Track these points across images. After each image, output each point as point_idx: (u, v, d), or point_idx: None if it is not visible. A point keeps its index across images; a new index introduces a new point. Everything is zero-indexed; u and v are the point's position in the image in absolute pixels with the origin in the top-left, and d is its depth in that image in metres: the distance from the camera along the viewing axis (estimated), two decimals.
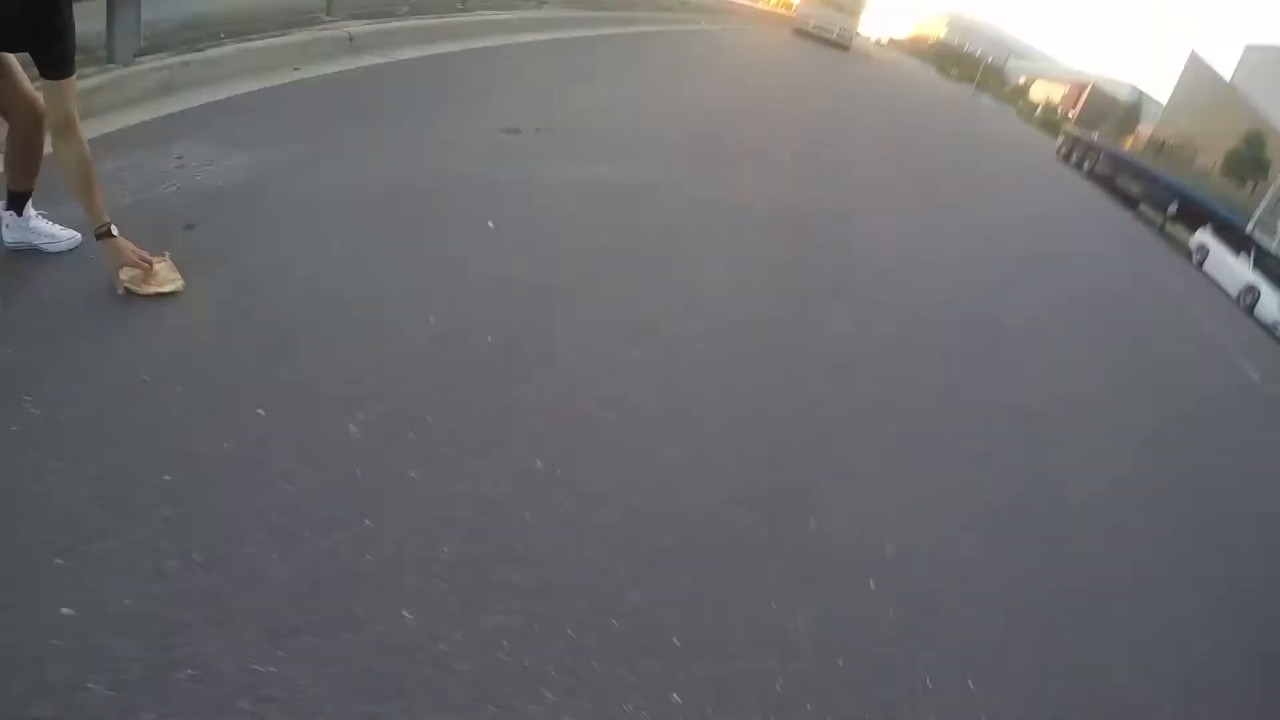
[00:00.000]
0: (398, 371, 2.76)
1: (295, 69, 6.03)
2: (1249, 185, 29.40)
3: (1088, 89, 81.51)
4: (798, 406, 3.48)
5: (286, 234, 3.52)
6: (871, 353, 4.32)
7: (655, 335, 3.30)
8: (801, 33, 36.27)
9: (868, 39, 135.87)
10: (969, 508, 3.33)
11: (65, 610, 1.71)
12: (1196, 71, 60.44)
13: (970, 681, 2.40)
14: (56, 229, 3.10)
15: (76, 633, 1.68)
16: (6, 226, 3.02)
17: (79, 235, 3.11)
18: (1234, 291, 18.88)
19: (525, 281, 3.50)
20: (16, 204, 3.00)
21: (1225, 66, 60.19)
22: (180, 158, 4.01)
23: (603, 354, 3.13)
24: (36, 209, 3.03)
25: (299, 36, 6.44)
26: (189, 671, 1.65)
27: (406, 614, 1.92)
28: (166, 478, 2.10)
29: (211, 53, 5.47)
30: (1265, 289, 17.69)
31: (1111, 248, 15.65)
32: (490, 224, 4.00)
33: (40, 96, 2.76)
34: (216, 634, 1.73)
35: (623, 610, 2.14)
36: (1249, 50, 59.29)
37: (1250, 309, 17.59)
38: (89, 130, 3.38)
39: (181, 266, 2.96)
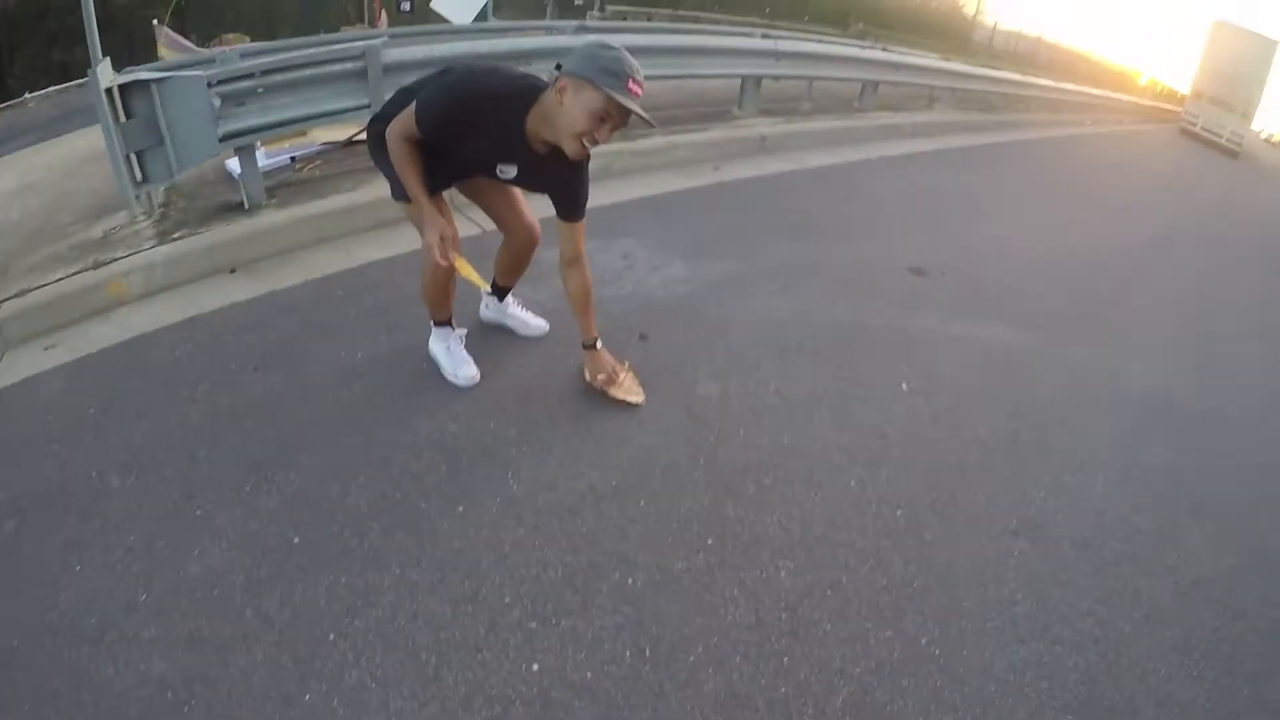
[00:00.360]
0: (822, 529, 2.74)
1: (715, 168, 6.51)
2: None
3: None
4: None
5: (727, 362, 3.69)
6: None
7: (1032, 533, 2.95)
8: (1187, 133, 33.04)
9: (1257, 134, 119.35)
10: None
11: (533, 666, 2.08)
12: None
13: None
14: (529, 316, 3.61)
15: (540, 687, 2.02)
16: (486, 306, 3.60)
17: (547, 325, 3.60)
18: None
19: (931, 459, 3.29)
20: (499, 294, 3.55)
21: None
22: (627, 258, 4.50)
23: (983, 544, 2.85)
24: (515, 297, 3.60)
25: (717, 133, 6.96)
26: None
27: None
28: (630, 581, 2.35)
29: (642, 144, 6.13)
30: None
31: None
32: (905, 386, 3.87)
33: (536, 222, 3.22)
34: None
35: None
36: None
37: None
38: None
39: (640, 378, 3.26)
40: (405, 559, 2.37)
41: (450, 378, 3.26)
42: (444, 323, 3.30)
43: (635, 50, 3.11)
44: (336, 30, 16.05)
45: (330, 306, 3.69)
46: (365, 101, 4.56)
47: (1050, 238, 7.24)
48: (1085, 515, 3.12)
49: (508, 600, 2.26)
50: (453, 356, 3.28)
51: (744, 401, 3.40)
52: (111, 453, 2.70)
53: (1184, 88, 35.16)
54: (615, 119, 2.46)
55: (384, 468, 2.74)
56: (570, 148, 2.51)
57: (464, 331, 3.35)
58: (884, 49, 11.47)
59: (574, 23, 6.04)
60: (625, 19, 14.29)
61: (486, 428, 2.98)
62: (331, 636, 2.10)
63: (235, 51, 4.19)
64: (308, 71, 4.34)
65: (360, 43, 4.54)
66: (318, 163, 4.94)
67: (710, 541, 2.58)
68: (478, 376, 3.25)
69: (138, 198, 4.14)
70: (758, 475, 2.94)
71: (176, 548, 2.34)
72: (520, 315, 3.64)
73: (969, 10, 29.71)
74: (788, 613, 2.37)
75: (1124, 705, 2.26)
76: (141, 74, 3.81)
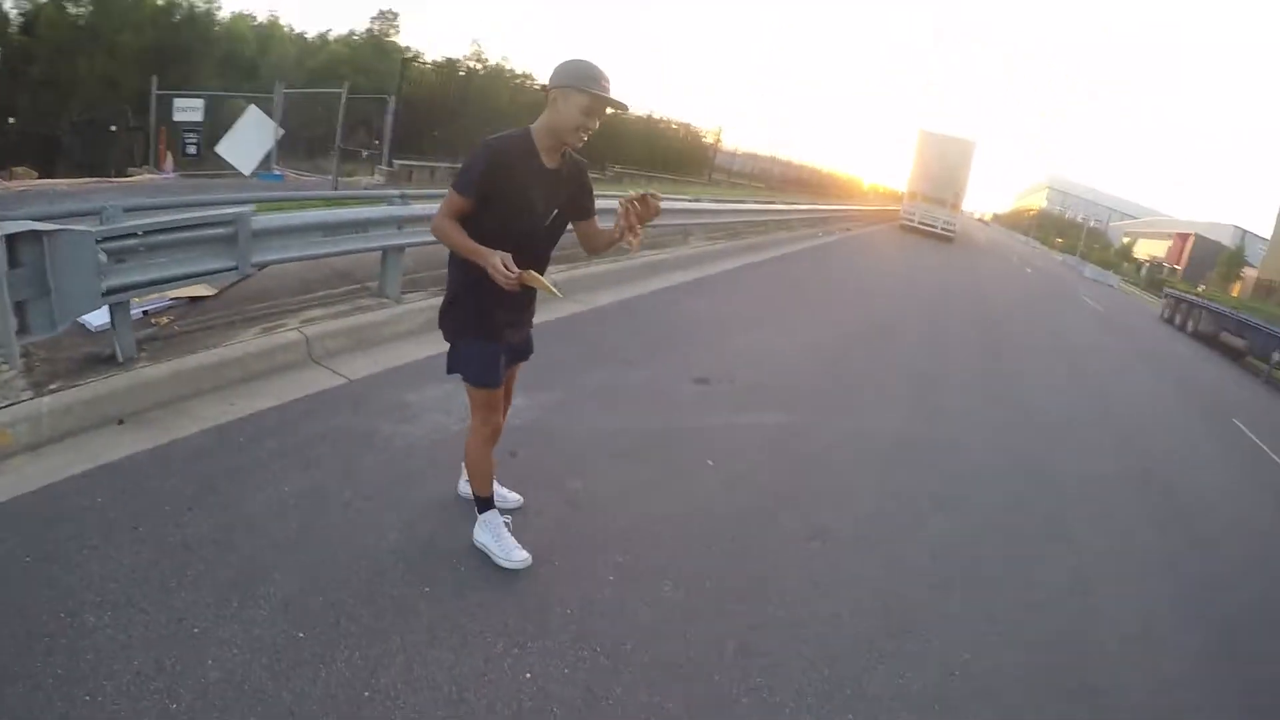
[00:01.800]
0: (702, 564, 3.93)
1: None
2: None
3: (1190, 240, 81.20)
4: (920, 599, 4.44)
5: (582, 466, 4.59)
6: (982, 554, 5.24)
7: (827, 537, 4.63)
8: (907, 228, 38.36)
9: (971, 215, 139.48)
10: None
11: (525, 674, 2.85)
12: None
13: None
14: (506, 491, 4.04)
15: (532, 690, 2.84)
16: (466, 479, 3.83)
17: (521, 499, 4.08)
18: None
19: (734, 509, 4.64)
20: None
21: None
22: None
23: (785, 546, 4.40)
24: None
25: None
26: None
27: None
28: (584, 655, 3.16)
29: None
30: None
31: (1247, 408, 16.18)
32: (710, 463, 5.17)
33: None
34: None
35: None
36: None
37: None
38: (389, 360, 5.41)
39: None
40: (402, 628, 2.98)
41: (504, 563, 3.54)
42: (490, 503, 3.64)
43: None
44: (123, 171, 15.91)
45: (237, 451, 4.04)
46: (233, 264, 4.98)
47: (801, 338, 9.16)
48: (855, 515, 4.91)
49: (489, 639, 3.00)
50: (502, 541, 3.59)
51: (607, 493, 4.38)
52: (73, 594, 2.83)
53: (901, 188, 40.25)
54: (599, 110, 3.11)
55: (352, 573, 3.25)
56: (573, 139, 3.15)
57: (508, 518, 3.73)
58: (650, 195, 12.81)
59: (397, 193, 6.70)
60: (411, 175, 14.97)
61: (427, 536, 3.61)
62: (366, 693, 2.64)
63: (118, 207, 4.44)
64: (186, 233, 4.69)
65: (231, 210, 4.93)
66: (171, 316, 5.22)
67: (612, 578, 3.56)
68: (529, 559, 3.57)
69: (21, 350, 4.20)
70: (627, 542, 3.95)
71: (188, 662, 2.61)
72: (499, 490, 3.99)
73: (708, 139, 32.84)
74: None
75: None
76: (34, 224, 3.87)
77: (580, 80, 3.05)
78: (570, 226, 3.50)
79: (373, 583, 3.21)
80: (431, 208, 6.78)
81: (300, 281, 6.27)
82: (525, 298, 3.35)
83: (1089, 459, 7.82)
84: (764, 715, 3.04)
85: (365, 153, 17.48)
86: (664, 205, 3.32)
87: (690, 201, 14.07)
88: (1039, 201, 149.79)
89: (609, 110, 3.17)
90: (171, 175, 16.53)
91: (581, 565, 3.69)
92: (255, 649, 2.75)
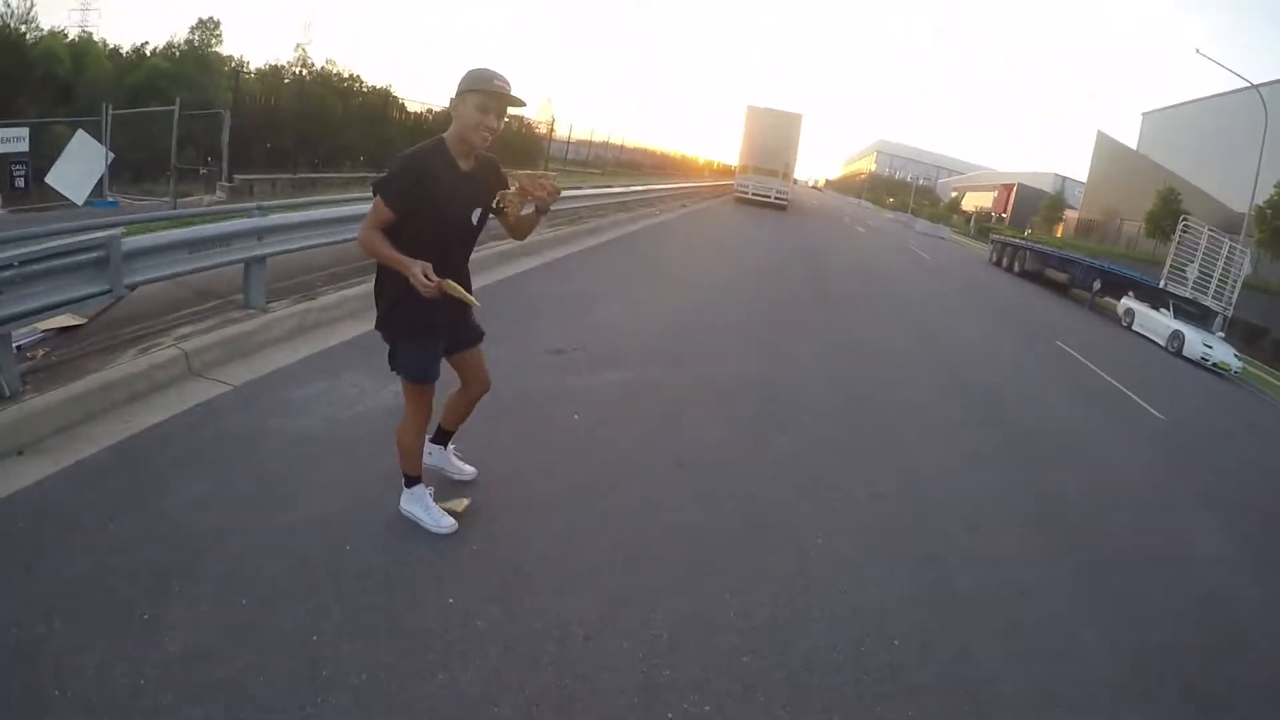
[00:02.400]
0: (584, 498, 4.68)
1: None
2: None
3: (1014, 189, 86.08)
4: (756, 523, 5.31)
5: (472, 436, 4.85)
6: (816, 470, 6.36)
7: (689, 464, 5.43)
8: (742, 200, 39.66)
9: (805, 184, 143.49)
10: None
11: (489, 653, 3.28)
12: (1106, 148, 65.70)
13: None
14: (462, 463, 4.63)
15: (484, 686, 3.29)
16: (429, 454, 4.35)
17: (475, 470, 4.62)
18: (1163, 341, 21.88)
19: (602, 453, 5.42)
20: (444, 439, 4.49)
21: (1130, 136, 65.38)
22: (356, 386, 5.68)
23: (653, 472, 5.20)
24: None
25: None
26: None
27: None
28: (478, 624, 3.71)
29: (321, 300, 7.19)
30: (1187, 331, 21.01)
31: (1071, 329, 17.99)
32: (575, 416, 5.94)
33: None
34: None
35: None
36: (1146, 117, 64.90)
37: (1179, 351, 20.70)
38: (266, 366, 5.75)
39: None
40: (334, 581, 3.52)
41: (434, 529, 4.02)
42: (417, 479, 4.07)
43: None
44: None
45: (142, 464, 4.31)
46: (107, 287, 5.20)
47: (646, 310, 10.17)
48: (709, 444, 5.81)
49: (411, 579, 3.54)
50: (431, 511, 4.07)
51: (482, 448, 4.93)
52: (19, 610, 3.04)
53: (735, 163, 41.32)
54: (495, 107, 3.47)
55: (278, 544, 3.72)
56: (478, 139, 3.50)
57: (432, 489, 4.18)
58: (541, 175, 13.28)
59: (253, 205, 6.95)
60: (252, 189, 14.90)
61: (338, 507, 4.11)
62: (314, 637, 3.18)
63: None
64: (60, 260, 4.86)
65: (101, 234, 5.12)
66: (46, 349, 5.35)
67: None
68: (456, 525, 4.07)
69: None
70: (513, 484, 4.62)
71: (145, 644, 2.97)
72: (457, 462, 4.61)
73: (541, 130, 33.13)
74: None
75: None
76: None
77: (473, 83, 3.45)
78: (494, 218, 3.85)
79: (299, 549, 3.69)
80: (290, 217, 7.12)
81: (165, 303, 6.44)
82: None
83: (920, 382, 9.27)
84: (650, 608, 3.76)
85: (203, 170, 17.17)
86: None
87: None
88: (869, 165, 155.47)
89: (509, 107, 3.57)
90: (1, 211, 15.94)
91: (479, 511, 4.29)
92: (203, 621, 3.14)
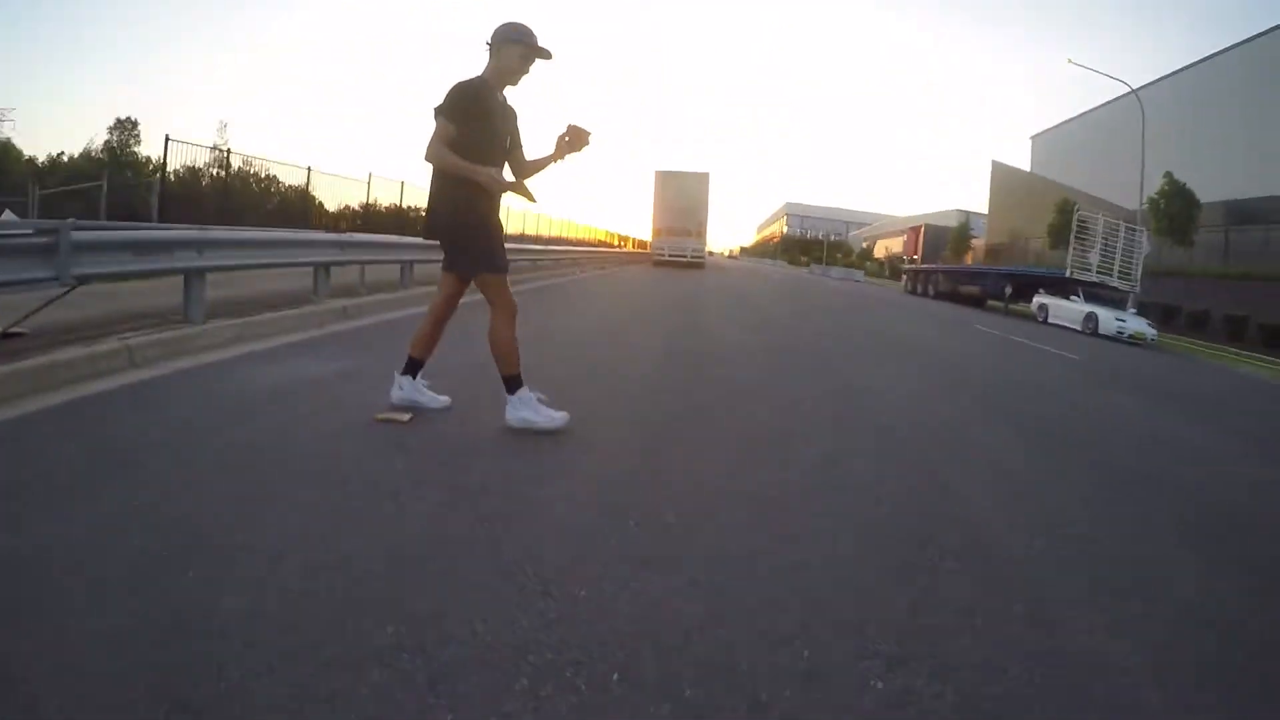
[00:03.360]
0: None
1: (319, 327, 8.03)
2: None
3: (921, 230, 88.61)
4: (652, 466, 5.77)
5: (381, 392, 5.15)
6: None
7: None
8: (660, 262, 40.36)
9: (720, 254, 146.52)
10: None
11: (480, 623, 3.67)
12: (1002, 175, 68.98)
13: None
14: (434, 395, 4.91)
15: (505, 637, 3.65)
16: (400, 387, 4.76)
17: (449, 400, 4.96)
18: (1078, 326, 22.89)
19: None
20: (414, 369, 4.83)
21: (1023, 159, 68.53)
22: (301, 365, 6.05)
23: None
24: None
25: (309, 309, 8.45)
26: None
27: None
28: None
29: (259, 317, 7.42)
30: (1100, 311, 22.10)
31: (989, 323, 18.82)
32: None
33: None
34: None
35: None
36: (1035, 139, 68.43)
37: (1095, 331, 21.73)
38: (217, 355, 6.00)
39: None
40: (329, 479, 3.84)
41: (549, 425, 4.51)
42: (519, 381, 4.54)
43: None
44: None
45: (111, 416, 4.49)
46: (54, 274, 5.42)
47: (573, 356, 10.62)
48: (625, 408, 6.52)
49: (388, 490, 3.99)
50: (540, 410, 4.56)
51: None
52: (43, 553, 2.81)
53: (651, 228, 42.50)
54: (531, 58, 4.40)
55: (242, 463, 4.12)
56: (513, 81, 4.45)
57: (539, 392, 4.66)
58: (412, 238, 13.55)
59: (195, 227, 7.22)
60: None
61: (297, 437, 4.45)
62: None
63: None
64: (8, 240, 5.14)
65: (53, 221, 5.39)
66: None
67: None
68: (568, 415, 4.62)
69: None
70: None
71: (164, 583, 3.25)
72: (429, 394, 4.91)
73: None
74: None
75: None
76: None
77: (520, 35, 4.38)
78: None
79: (278, 458, 4.12)
80: (231, 234, 7.47)
81: (106, 318, 6.61)
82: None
83: (854, 354, 10.30)
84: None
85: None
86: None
87: None
88: (780, 227, 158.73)
89: (538, 58, 4.43)
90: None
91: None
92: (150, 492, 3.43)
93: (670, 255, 40.43)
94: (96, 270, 5.96)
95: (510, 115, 4.58)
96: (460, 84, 4.27)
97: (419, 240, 12.64)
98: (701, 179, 41.65)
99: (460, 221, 4.41)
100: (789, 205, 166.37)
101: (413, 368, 4.82)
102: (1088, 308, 23.29)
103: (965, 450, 5.62)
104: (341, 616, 2.40)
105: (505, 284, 4.53)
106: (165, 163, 16.16)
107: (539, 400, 4.58)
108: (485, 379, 5.27)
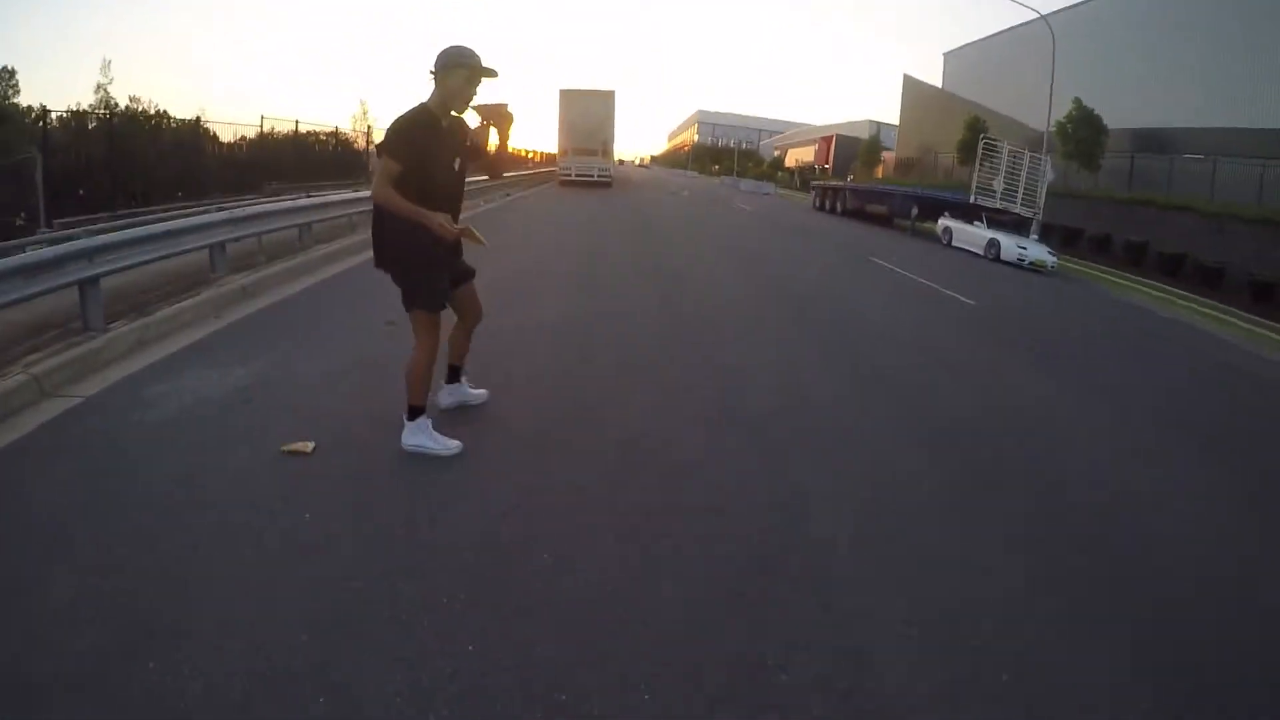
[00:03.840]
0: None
1: (217, 317, 8.00)
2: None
3: (833, 140, 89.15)
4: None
5: (315, 398, 5.73)
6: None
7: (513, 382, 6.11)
8: (566, 182, 40.05)
9: (631, 162, 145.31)
10: None
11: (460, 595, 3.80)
12: (914, 90, 69.39)
13: None
14: (476, 391, 5.63)
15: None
16: (449, 394, 5.49)
17: (487, 393, 5.66)
18: (981, 251, 23.67)
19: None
20: (455, 375, 5.46)
21: (935, 76, 69.17)
22: (203, 378, 6.09)
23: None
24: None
25: (209, 294, 8.42)
26: None
27: None
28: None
29: (158, 314, 7.44)
30: (1002, 238, 22.95)
31: (889, 250, 19.24)
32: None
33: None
34: None
35: None
36: (948, 56, 68.86)
37: (997, 258, 22.53)
38: (122, 371, 6.13)
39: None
40: (249, 492, 3.85)
41: (444, 452, 4.78)
42: (422, 410, 4.81)
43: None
44: None
45: (33, 463, 4.63)
46: None
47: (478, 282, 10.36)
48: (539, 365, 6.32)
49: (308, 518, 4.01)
50: (436, 438, 4.83)
51: (335, 400, 5.66)
52: None
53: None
54: (476, 79, 4.44)
55: (167, 505, 4.05)
56: (460, 106, 4.53)
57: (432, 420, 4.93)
58: (308, 195, 13.31)
59: (94, 229, 7.08)
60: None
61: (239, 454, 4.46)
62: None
63: None
64: None
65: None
66: None
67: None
68: (460, 444, 4.86)
69: None
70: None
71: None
72: (473, 391, 5.60)
73: (359, 141, 32.69)
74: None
75: None
76: None
77: (461, 59, 4.43)
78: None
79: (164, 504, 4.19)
80: (120, 235, 7.37)
81: (4, 338, 6.54)
82: (455, 243, 4.65)
83: (750, 294, 10.52)
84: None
85: (19, 221, 16.47)
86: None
87: (350, 193, 14.66)
88: (692, 136, 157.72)
89: (484, 77, 4.48)
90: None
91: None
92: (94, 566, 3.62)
93: (577, 175, 40.21)
94: None
95: (459, 132, 4.68)
96: (399, 119, 4.39)
97: (312, 200, 12.62)
98: (606, 97, 40.95)
99: (403, 258, 4.60)
100: (701, 113, 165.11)
101: (454, 374, 5.52)
102: (990, 234, 24.04)
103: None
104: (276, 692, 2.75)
105: (436, 324, 4.76)
106: (45, 132, 15.39)
107: (433, 427, 4.92)
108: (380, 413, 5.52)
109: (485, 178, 26.73)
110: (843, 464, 5.38)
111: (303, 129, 28.09)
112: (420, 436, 4.79)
